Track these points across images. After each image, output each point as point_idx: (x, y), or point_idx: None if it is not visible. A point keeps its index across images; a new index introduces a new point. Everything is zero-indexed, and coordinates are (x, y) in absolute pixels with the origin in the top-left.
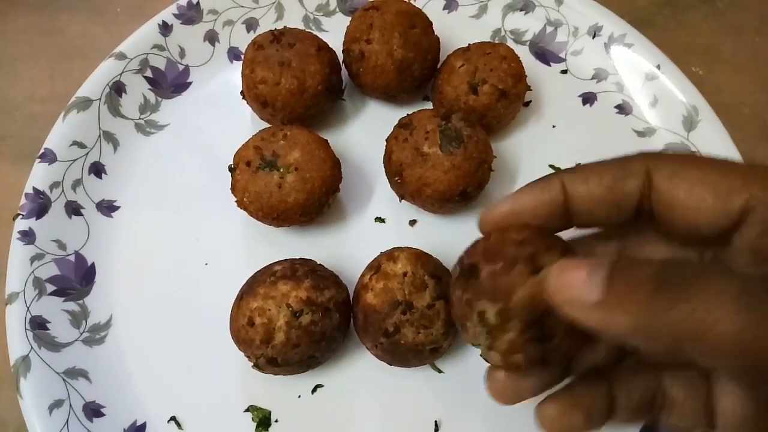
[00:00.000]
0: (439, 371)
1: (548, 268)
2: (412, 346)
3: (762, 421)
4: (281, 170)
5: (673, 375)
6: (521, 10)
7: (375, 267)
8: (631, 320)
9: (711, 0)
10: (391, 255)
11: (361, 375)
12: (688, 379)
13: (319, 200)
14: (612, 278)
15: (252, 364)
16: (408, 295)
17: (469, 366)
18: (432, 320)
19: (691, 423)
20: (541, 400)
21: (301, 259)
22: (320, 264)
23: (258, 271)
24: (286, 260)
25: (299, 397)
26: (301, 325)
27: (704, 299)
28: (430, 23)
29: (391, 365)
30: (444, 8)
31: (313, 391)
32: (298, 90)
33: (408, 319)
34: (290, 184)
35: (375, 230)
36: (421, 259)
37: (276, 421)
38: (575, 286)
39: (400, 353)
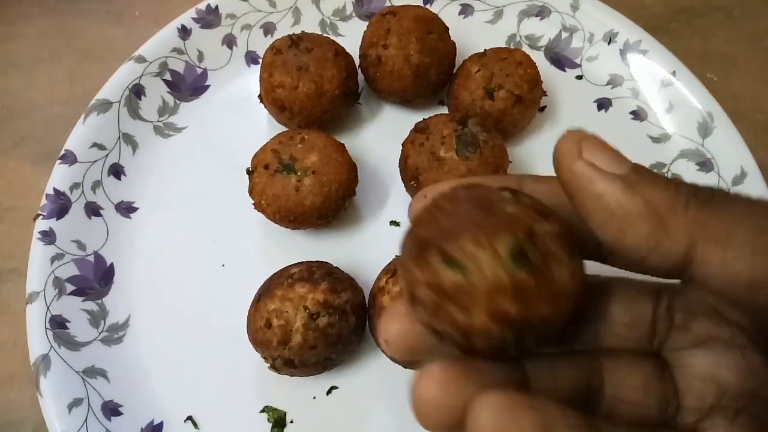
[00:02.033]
0: None
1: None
2: None
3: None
4: (299, 173)
5: (616, 357)
6: (537, 16)
7: (392, 270)
8: (665, 195)
9: (726, 7)
10: None
11: (376, 377)
12: (632, 358)
13: (335, 203)
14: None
15: (269, 365)
16: None
17: None
18: None
19: (642, 410)
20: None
21: (317, 261)
22: (336, 267)
23: (275, 273)
24: (302, 263)
25: (314, 398)
26: (318, 327)
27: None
28: (447, 29)
29: (406, 368)
30: (459, 13)
31: (328, 392)
32: (316, 94)
33: None
34: (307, 188)
35: (390, 234)
36: None
37: (291, 421)
38: (602, 155)
39: None
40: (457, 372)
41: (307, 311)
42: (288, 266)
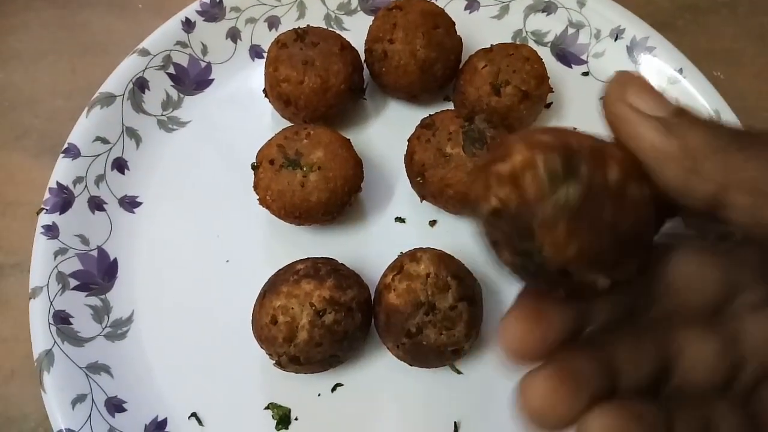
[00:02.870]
0: (459, 372)
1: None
2: (434, 347)
3: None
4: (304, 169)
5: (688, 328)
6: (543, 12)
7: (397, 267)
8: (702, 138)
9: (732, 4)
10: (413, 255)
11: (381, 375)
12: (703, 329)
13: (341, 199)
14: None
15: (274, 362)
16: (431, 296)
17: (489, 367)
18: (454, 321)
19: (710, 380)
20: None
21: (323, 258)
22: (342, 263)
23: (280, 270)
24: (308, 259)
25: (319, 395)
26: (324, 324)
27: None
28: (453, 23)
29: (411, 365)
30: (465, 8)
31: (333, 389)
32: (321, 89)
33: (431, 320)
34: (313, 183)
35: (395, 230)
36: (443, 260)
37: (296, 419)
38: (645, 97)
39: (421, 354)
40: (565, 380)
41: (313, 308)
42: (293, 262)
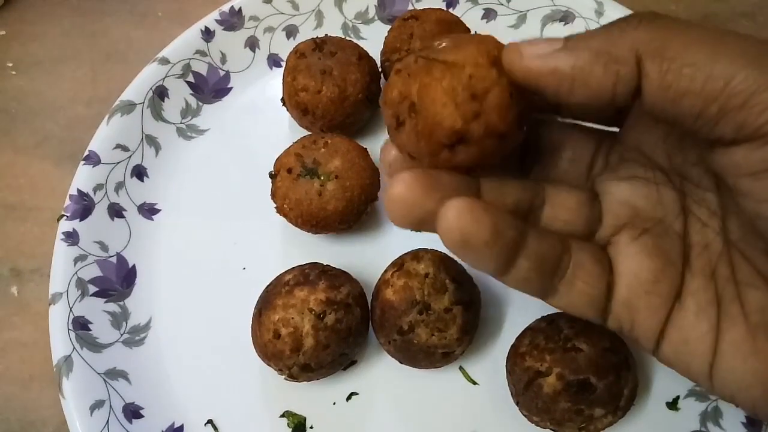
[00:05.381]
0: (474, 383)
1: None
2: (424, 348)
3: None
4: (322, 178)
5: (580, 244)
6: (560, 21)
7: (398, 264)
8: (604, 32)
9: (751, 14)
10: (415, 254)
11: (396, 384)
12: (593, 250)
13: (357, 208)
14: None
15: (285, 376)
16: (427, 296)
17: (506, 378)
18: (447, 324)
19: (594, 290)
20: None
21: (309, 263)
22: (328, 264)
23: (269, 285)
24: (294, 268)
25: (334, 404)
26: (327, 325)
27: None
28: (468, 30)
29: (401, 363)
30: (482, 18)
31: (348, 398)
32: (339, 98)
33: (423, 319)
34: (330, 192)
35: (411, 238)
36: (444, 262)
37: (311, 427)
38: (536, 47)
39: (411, 353)
40: (424, 179)
41: (313, 312)
42: (280, 275)
